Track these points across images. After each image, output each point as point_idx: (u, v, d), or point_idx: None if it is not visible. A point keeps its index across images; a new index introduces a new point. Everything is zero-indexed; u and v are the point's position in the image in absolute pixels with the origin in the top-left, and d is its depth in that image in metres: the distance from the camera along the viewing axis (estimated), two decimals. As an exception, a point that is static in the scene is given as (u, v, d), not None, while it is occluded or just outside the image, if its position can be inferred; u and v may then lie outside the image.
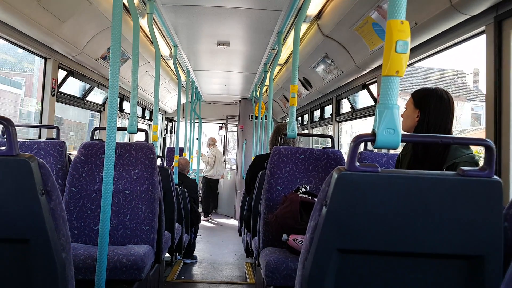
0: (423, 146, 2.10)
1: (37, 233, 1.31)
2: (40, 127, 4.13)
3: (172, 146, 10.16)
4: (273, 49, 5.19)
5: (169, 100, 9.20)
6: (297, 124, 3.49)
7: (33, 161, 1.29)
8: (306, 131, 7.25)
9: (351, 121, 5.65)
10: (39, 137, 4.17)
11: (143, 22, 4.52)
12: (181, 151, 7.86)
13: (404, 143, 2.31)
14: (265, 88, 7.59)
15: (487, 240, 1.22)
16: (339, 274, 1.27)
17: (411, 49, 3.21)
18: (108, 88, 2.23)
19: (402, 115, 2.15)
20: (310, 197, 2.80)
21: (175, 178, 5.32)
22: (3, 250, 1.32)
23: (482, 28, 2.55)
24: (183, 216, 4.83)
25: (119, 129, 3.48)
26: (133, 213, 3.02)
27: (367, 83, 4.53)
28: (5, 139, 1.28)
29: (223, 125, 11.09)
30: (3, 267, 1.33)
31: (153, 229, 3.02)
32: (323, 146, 3.67)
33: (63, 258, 1.37)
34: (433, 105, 2.06)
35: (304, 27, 4.52)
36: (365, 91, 4.62)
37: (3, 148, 1.28)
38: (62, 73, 4.36)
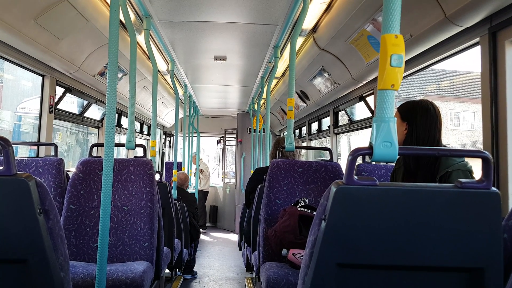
0: (414, 158, 2.13)
1: (35, 253, 1.30)
2: (38, 144, 4.13)
3: (170, 160, 10.15)
4: (270, 62, 5.22)
5: (167, 115, 9.21)
6: (295, 137, 3.49)
7: (31, 180, 1.29)
8: (304, 144, 7.26)
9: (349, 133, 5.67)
10: (37, 155, 4.16)
11: (140, 38, 4.55)
12: (180, 165, 7.84)
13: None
14: (262, 101, 7.62)
15: (487, 252, 1.22)
16: (340, 289, 1.26)
17: (407, 61, 3.23)
18: (106, 104, 2.23)
19: None
20: (309, 211, 2.79)
21: (174, 193, 5.30)
22: (1, 270, 1.31)
23: (477, 40, 2.56)
24: (183, 231, 4.80)
25: (117, 145, 3.48)
26: (132, 229, 3.00)
27: (363, 95, 4.55)
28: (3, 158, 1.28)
29: (221, 138, 11.10)
30: (1, 287, 1.32)
31: (152, 245, 3.00)
32: (322, 158, 3.67)
33: (62, 278, 1.36)
34: (419, 118, 2.11)
35: (300, 40, 4.55)
36: (362, 103, 4.64)
37: (0, 168, 1.28)
38: (60, 90, 4.38)
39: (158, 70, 5.82)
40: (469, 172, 1.96)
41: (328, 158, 3.43)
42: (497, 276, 1.21)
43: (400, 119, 2.17)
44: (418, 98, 2.23)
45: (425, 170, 2.06)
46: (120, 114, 6.51)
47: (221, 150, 11.37)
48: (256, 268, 3.31)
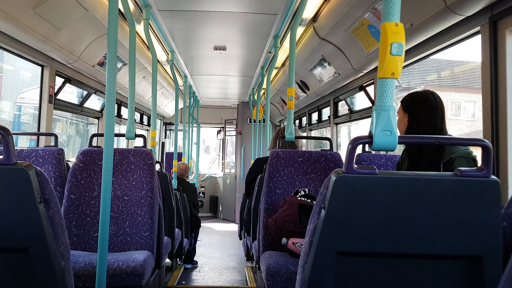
0: (416, 147, 2.15)
1: (36, 242, 1.31)
2: (38, 134, 4.13)
3: (170, 151, 10.16)
4: (270, 52, 5.20)
5: (167, 105, 9.20)
6: (295, 127, 3.48)
7: (31, 169, 1.29)
8: (304, 134, 7.26)
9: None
10: (37, 145, 4.16)
11: (140, 28, 4.53)
12: (180, 156, 7.85)
13: (403, 147, 2.34)
14: (262, 91, 7.60)
15: (486, 240, 1.22)
16: (339, 277, 1.27)
17: (407, 51, 3.22)
18: (105, 94, 2.22)
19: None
20: (309, 200, 2.80)
21: (174, 183, 5.31)
22: (3, 259, 1.32)
23: (477, 29, 2.55)
24: (183, 221, 4.82)
25: (117, 135, 3.48)
26: (132, 219, 3.01)
27: (364, 85, 4.54)
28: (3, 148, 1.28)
29: (222, 129, 11.10)
30: (2, 276, 1.33)
31: (152, 235, 3.01)
32: (322, 148, 3.67)
33: (63, 266, 1.37)
34: (418, 107, 2.14)
35: (300, 30, 4.53)
36: (362, 93, 4.63)
37: (0, 157, 1.28)
38: (59, 81, 4.37)
39: (158, 60, 5.80)
40: (472, 160, 1.97)
41: (328, 148, 3.43)
42: (496, 264, 1.22)
43: (403, 111, 2.20)
44: (419, 88, 2.24)
45: (428, 159, 2.07)
46: (120, 104, 6.50)
47: (221, 140, 11.38)
48: (256, 257, 3.33)
